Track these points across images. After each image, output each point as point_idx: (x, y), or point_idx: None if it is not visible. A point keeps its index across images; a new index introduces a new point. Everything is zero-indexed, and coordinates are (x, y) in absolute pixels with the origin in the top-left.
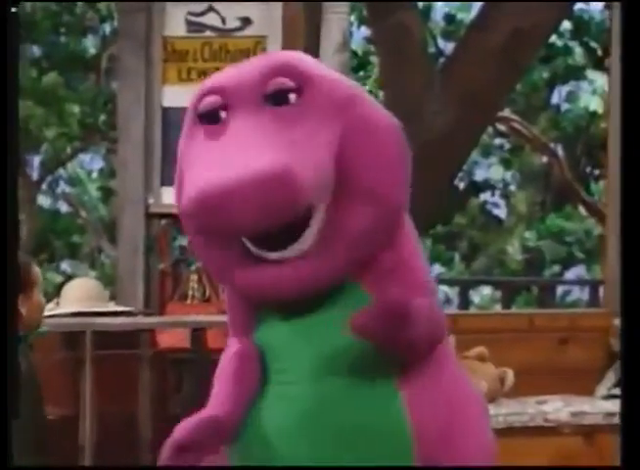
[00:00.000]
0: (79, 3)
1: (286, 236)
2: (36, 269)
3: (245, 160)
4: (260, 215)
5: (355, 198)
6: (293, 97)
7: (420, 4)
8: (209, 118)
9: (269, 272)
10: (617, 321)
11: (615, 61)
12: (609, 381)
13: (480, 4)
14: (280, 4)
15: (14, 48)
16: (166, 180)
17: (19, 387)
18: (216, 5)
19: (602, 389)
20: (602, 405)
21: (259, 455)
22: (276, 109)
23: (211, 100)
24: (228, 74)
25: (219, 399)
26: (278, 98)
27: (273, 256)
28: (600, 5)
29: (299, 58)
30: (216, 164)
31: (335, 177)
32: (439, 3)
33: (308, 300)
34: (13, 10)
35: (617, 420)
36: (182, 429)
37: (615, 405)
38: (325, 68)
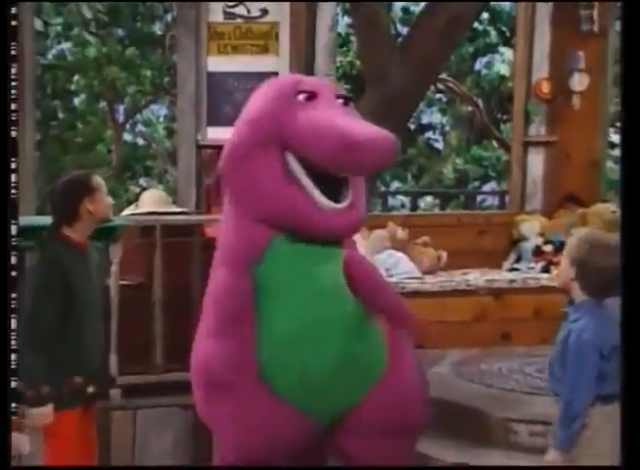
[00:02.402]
0: None
1: (338, 193)
2: (96, 178)
3: (367, 125)
4: (386, 161)
5: None
6: (349, 105)
7: None
8: (307, 98)
9: (333, 219)
10: (517, 218)
11: (519, 39)
12: (511, 259)
13: None
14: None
15: (12, 47)
16: (211, 122)
17: None
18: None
19: (506, 264)
20: (506, 275)
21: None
22: (345, 107)
23: (308, 87)
24: (309, 78)
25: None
26: (345, 101)
27: (334, 206)
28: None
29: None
30: (352, 123)
31: None
32: None
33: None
34: (13, 10)
35: (516, 285)
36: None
37: (514, 275)
38: None
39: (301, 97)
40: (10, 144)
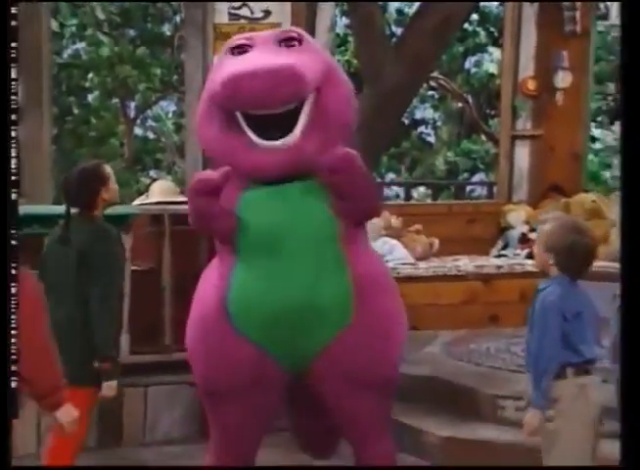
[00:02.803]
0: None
1: (280, 130)
2: (107, 169)
3: (264, 60)
4: (273, 91)
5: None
6: (296, 43)
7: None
8: (239, 51)
9: (261, 157)
10: (504, 208)
11: (506, 40)
12: (498, 246)
13: None
14: (289, 3)
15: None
16: None
17: None
18: (247, 2)
19: (494, 251)
20: (494, 261)
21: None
22: (286, 48)
23: (242, 40)
24: (250, 34)
25: None
26: (288, 42)
27: (266, 144)
28: (496, 2)
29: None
30: (242, 63)
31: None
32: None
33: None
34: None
35: (504, 270)
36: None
37: (501, 261)
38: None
39: (234, 51)
40: (10, 143)
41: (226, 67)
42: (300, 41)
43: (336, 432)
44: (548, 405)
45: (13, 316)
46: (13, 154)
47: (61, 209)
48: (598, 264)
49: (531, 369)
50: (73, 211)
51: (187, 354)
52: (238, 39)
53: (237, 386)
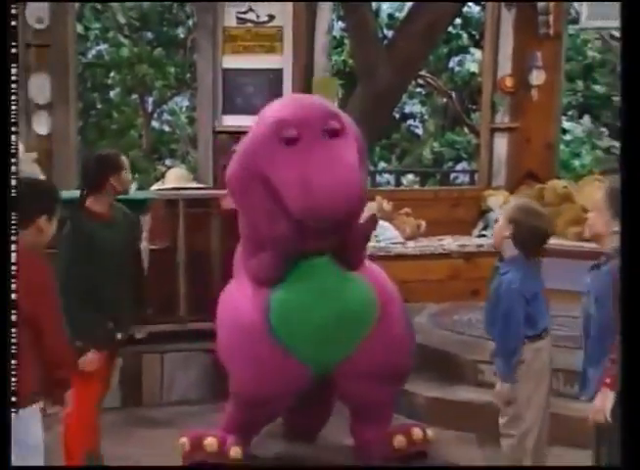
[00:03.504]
0: (174, 5)
1: None
2: (122, 158)
3: (345, 176)
4: (352, 210)
5: None
6: (339, 134)
7: (373, 5)
8: (287, 142)
9: (318, 239)
10: (484, 193)
11: (486, 41)
12: (479, 227)
13: (408, 6)
14: (291, 5)
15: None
16: (226, 111)
17: None
18: (253, 6)
19: (475, 232)
20: (475, 241)
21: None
22: (331, 140)
23: (293, 132)
24: (299, 111)
25: None
26: (332, 133)
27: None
28: (478, 8)
29: (339, 111)
30: (320, 174)
31: None
32: (384, 6)
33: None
34: (13, 10)
35: (484, 249)
36: None
37: (482, 241)
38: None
39: (283, 141)
40: (9, 143)
41: (290, 168)
42: (343, 130)
43: (323, 417)
44: (515, 377)
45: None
46: (12, 157)
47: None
48: (570, 244)
49: (499, 347)
50: (78, 196)
51: (223, 361)
52: (287, 128)
53: (275, 394)
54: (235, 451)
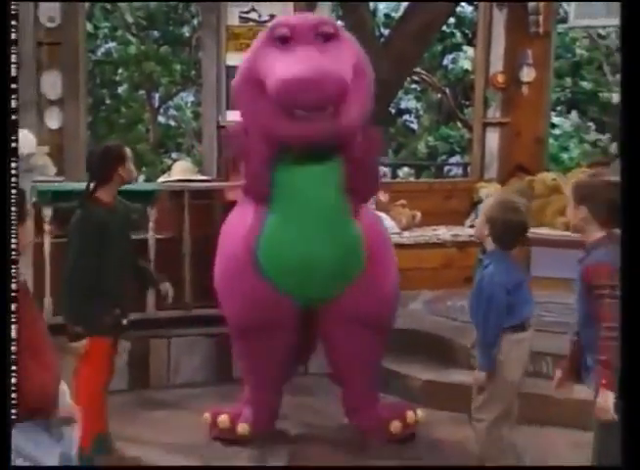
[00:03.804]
0: (180, 5)
1: None
2: (127, 149)
3: (313, 65)
4: (324, 101)
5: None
6: (333, 37)
7: (371, 5)
8: (281, 41)
9: (303, 126)
10: (477, 185)
11: (479, 40)
12: (472, 218)
13: (404, 6)
14: (291, 5)
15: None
16: (229, 107)
17: None
18: (256, 6)
19: (468, 222)
20: (468, 231)
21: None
22: (324, 43)
23: (284, 30)
24: (294, 18)
25: None
26: (325, 37)
27: (313, 115)
28: (471, 8)
29: (335, 21)
30: (298, 64)
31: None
32: (381, 6)
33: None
34: (13, 10)
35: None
36: None
37: (474, 230)
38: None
39: (278, 41)
40: (10, 142)
41: (275, 61)
42: (336, 35)
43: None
44: (493, 366)
45: (13, 316)
46: (12, 158)
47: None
48: (558, 233)
49: (480, 337)
50: (86, 187)
51: (215, 290)
52: (279, 27)
53: (259, 323)
54: (242, 428)
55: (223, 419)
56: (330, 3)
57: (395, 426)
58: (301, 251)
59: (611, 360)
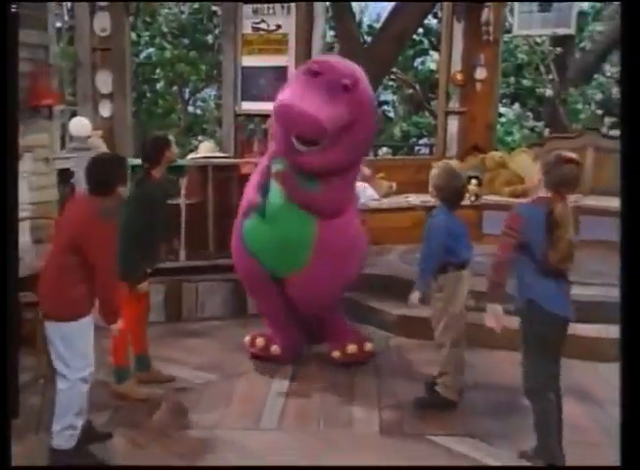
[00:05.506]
0: (205, 17)
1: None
2: (171, 137)
3: (307, 102)
4: (300, 132)
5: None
6: (349, 90)
7: (357, 17)
8: (310, 74)
9: (304, 157)
10: (438, 163)
11: (443, 46)
12: None
13: (384, 17)
14: (294, 17)
15: (14, 45)
16: (244, 98)
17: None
18: (265, 19)
19: None
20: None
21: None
22: (338, 92)
23: (315, 67)
24: (328, 62)
25: None
26: (344, 88)
27: (303, 148)
28: (435, 20)
29: (360, 73)
30: (292, 94)
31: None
32: (365, 18)
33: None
34: (13, 10)
35: None
36: None
37: None
38: (364, 77)
39: (307, 74)
40: (10, 141)
41: (291, 86)
42: (353, 87)
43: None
44: (426, 289)
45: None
46: (13, 154)
47: (137, 161)
48: (504, 199)
49: (420, 267)
50: (142, 166)
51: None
52: (314, 64)
53: (250, 282)
54: (274, 349)
55: (259, 341)
56: (324, 16)
57: (352, 348)
58: (264, 238)
59: (492, 278)
